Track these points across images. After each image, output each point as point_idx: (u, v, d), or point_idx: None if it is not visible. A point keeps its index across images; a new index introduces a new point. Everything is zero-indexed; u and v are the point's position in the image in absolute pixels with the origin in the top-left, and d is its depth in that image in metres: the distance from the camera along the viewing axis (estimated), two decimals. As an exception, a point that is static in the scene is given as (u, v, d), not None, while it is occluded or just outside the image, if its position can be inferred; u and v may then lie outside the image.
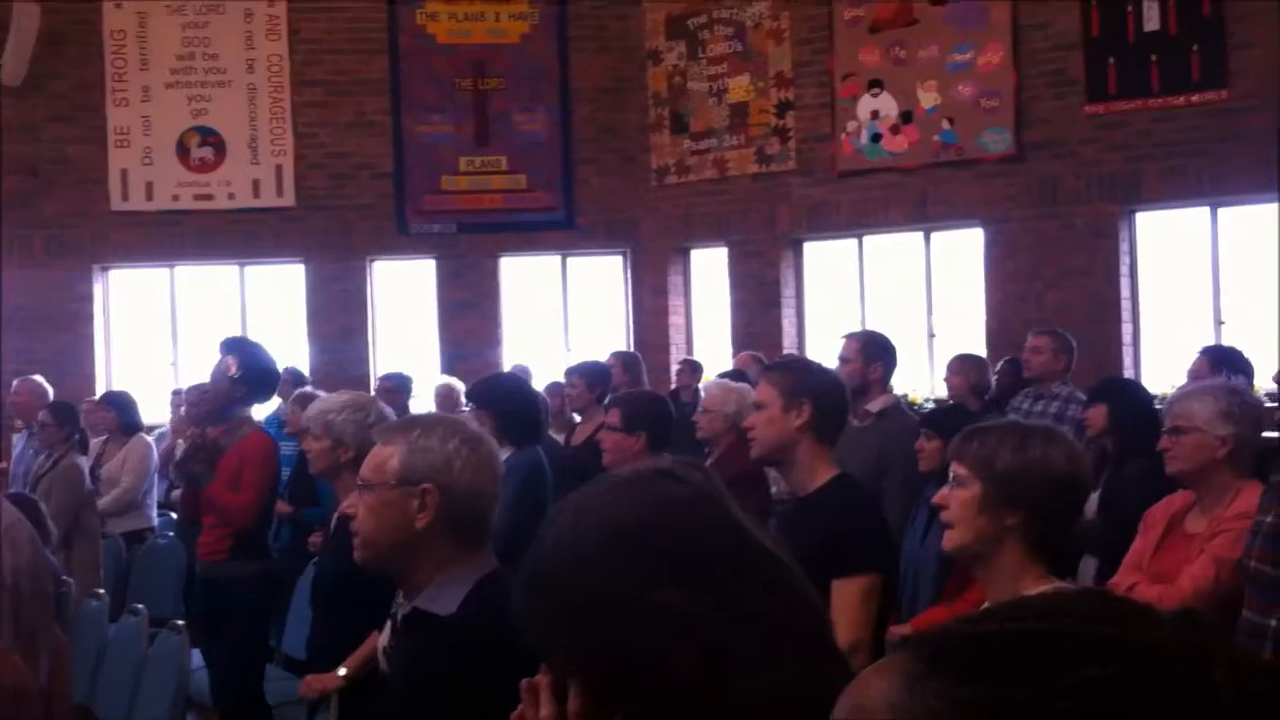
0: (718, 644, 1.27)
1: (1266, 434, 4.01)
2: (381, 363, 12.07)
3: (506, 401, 5.88)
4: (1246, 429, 3.69)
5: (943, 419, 5.21)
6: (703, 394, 6.15)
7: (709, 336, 12.48)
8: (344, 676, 3.97)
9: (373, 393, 9.00)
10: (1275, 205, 9.59)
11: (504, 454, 4.58)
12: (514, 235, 12.60)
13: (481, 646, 2.23)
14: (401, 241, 12.59)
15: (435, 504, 2.46)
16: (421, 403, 9.65)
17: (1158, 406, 5.08)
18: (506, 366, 10.80)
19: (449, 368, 11.45)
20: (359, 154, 12.55)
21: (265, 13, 12.46)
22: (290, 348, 11.60)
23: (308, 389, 7.59)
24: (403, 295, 12.87)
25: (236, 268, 12.69)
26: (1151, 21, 9.92)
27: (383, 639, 2.97)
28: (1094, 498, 5.30)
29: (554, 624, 1.35)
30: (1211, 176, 9.73)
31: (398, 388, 9.18)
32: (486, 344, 12.35)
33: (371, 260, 12.68)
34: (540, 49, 12.73)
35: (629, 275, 12.92)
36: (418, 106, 12.62)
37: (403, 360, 11.16)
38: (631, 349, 10.89)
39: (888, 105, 11.22)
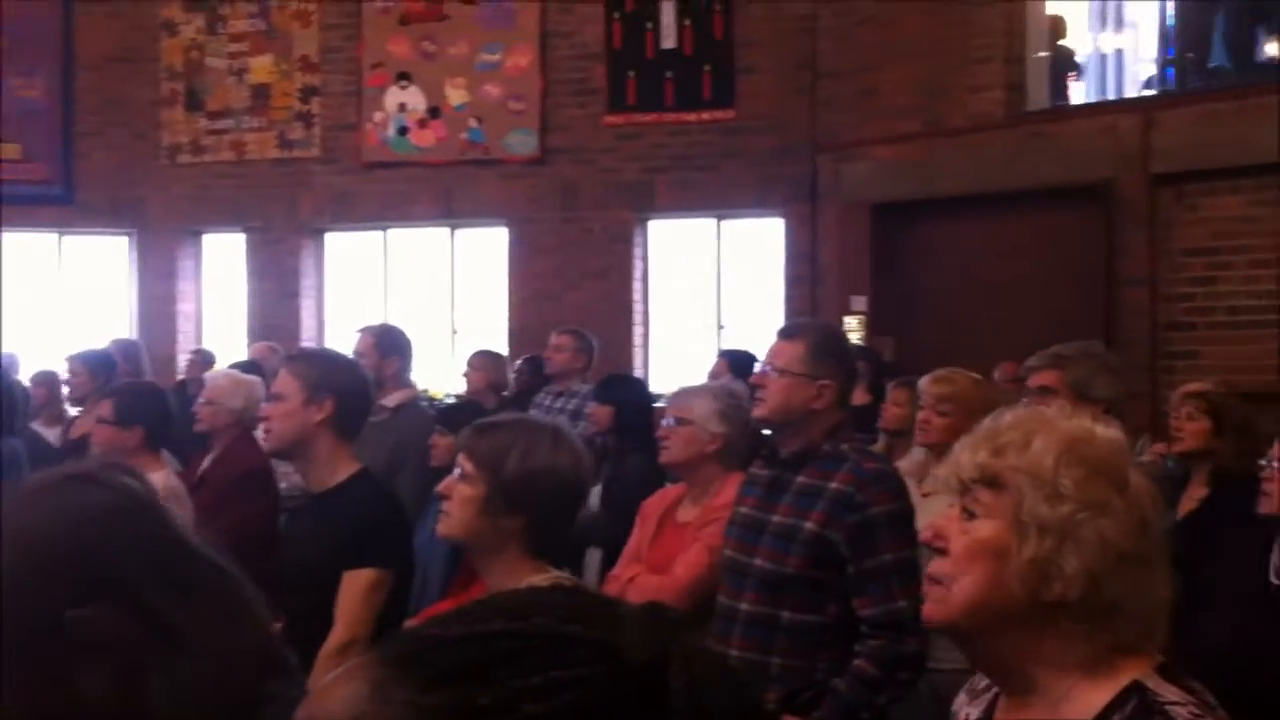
0: (136, 663, 1.13)
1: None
2: None
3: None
4: (736, 430, 3.91)
5: (456, 415, 5.20)
6: (207, 384, 5.79)
7: (222, 326, 11.92)
8: None
9: None
10: (772, 220, 10.38)
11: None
12: (4, 209, 11.45)
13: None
14: None
15: None
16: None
17: (661, 405, 5.29)
18: (-11, 352, 9.78)
19: (-81, 353, 10.24)
20: None
21: None
22: None
23: None
24: None
25: None
26: (669, 40, 10.43)
27: None
28: (596, 491, 5.45)
29: None
30: (717, 190, 10.36)
31: None
32: (-36, 327, 11.16)
33: None
34: (42, 9, 11.70)
35: (135, 258, 12.11)
36: (-111, 59, 11.24)
37: None
38: (135, 337, 10.19)
39: (415, 99, 11.15)
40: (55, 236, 11.99)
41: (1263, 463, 3.29)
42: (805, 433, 3.30)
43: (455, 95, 11.05)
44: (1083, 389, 3.98)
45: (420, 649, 0.81)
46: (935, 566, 1.64)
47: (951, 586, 1.61)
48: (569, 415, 6.42)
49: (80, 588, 1.15)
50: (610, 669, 0.78)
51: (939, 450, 4.35)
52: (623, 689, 0.77)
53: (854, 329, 9.08)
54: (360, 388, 3.52)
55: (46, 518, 1.19)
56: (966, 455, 1.64)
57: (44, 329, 11.57)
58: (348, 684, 0.81)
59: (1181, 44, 8.65)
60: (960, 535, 1.62)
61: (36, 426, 6.78)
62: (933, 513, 3.47)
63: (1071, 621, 1.56)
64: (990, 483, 1.60)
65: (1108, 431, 1.64)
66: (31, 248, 11.95)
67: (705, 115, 10.38)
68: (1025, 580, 1.56)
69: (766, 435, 3.58)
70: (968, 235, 9.03)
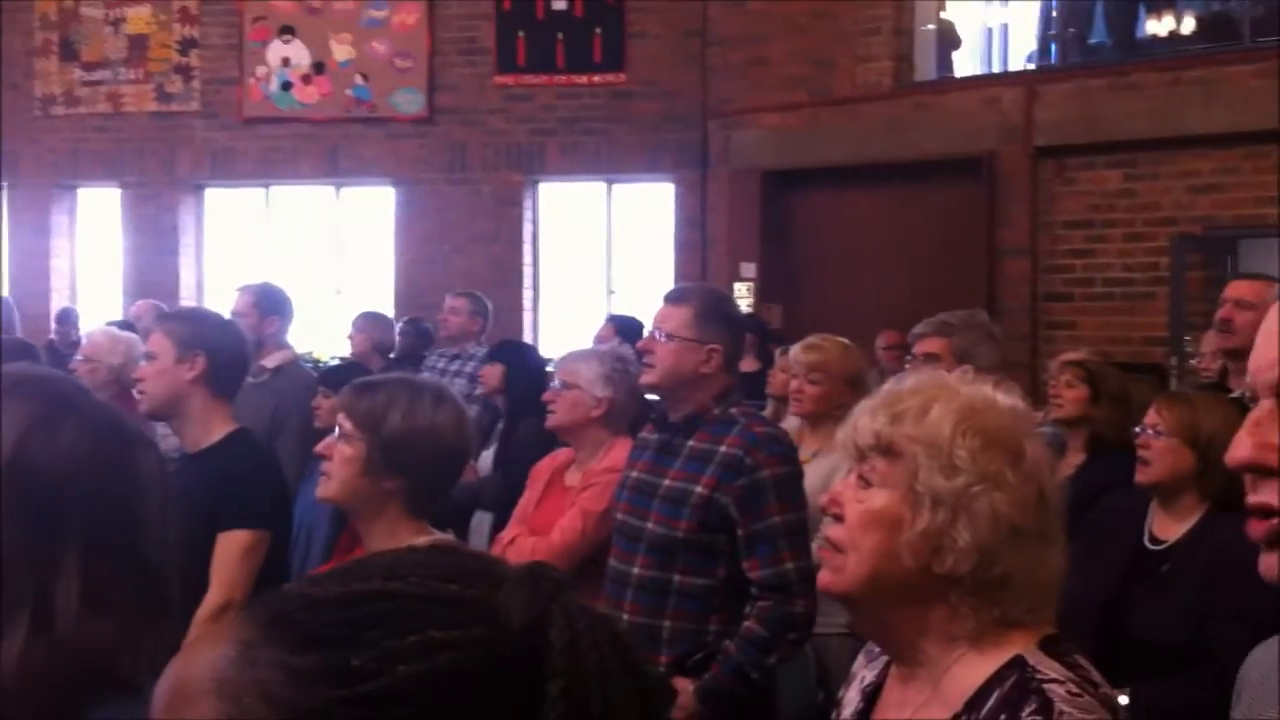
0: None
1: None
2: None
3: None
4: (623, 394, 3.90)
5: (339, 377, 5.10)
6: (85, 341, 5.63)
7: (98, 283, 11.58)
8: None
9: None
10: (662, 185, 10.37)
11: None
12: None
13: None
14: None
15: None
16: None
17: (551, 369, 5.26)
18: None
19: None
20: None
21: None
22: None
23: None
24: None
25: None
26: (560, 1, 10.32)
27: None
28: (489, 455, 5.41)
29: None
30: (607, 154, 10.32)
31: None
32: None
33: None
34: (-95, -49, 11.16)
35: (6, 212, 11.70)
36: None
37: None
38: (6, 294, 9.86)
39: (299, 54, 10.90)
40: (-79, 189, 11.54)
41: (1137, 430, 3.37)
42: (694, 397, 3.31)
43: (341, 51, 10.83)
44: (966, 356, 4.03)
45: (292, 609, 0.77)
46: (830, 531, 1.62)
47: (847, 556, 1.58)
48: (465, 378, 6.38)
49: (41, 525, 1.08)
50: (489, 629, 0.76)
51: (813, 420, 4.40)
52: (502, 650, 0.75)
53: (743, 296, 9.13)
54: (233, 345, 3.49)
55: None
56: (864, 421, 1.60)
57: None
58: (214, 646, 0.77)
59: (1064, 20, 8.82)
60: (854, 503, 1.58)
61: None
62: (810, 484, 3.52)
63: (961, 595, 1.53)
64: (886, 451, 1.56)
65: (1008, 399, 1.60)
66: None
67: (596, 78, 10.32)
68: (917, 552, 1.53)
69: (656, 400, 3.57)
70: (854, 204, 9.13)
